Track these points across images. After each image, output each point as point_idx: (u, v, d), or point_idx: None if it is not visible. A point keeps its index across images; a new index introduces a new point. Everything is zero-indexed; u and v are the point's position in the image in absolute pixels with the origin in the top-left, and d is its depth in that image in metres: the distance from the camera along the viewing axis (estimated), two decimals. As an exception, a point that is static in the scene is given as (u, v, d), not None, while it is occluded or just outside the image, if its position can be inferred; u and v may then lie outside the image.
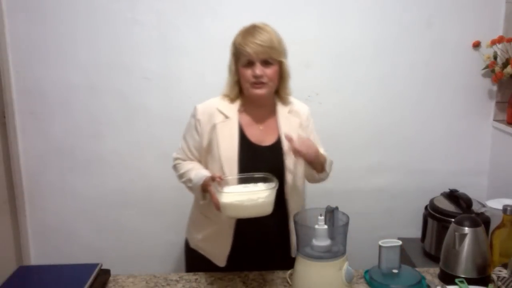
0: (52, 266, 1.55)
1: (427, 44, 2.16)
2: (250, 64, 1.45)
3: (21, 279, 1.37)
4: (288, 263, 1.53)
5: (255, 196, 1.28)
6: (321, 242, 1.27)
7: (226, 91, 1.56)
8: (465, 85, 2.21)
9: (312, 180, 1.60)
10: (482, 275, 1.38)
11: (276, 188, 1.31)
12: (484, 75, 2.20)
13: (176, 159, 1.61)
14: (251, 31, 1.46)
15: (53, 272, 1.45)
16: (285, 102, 1.58)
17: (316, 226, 1.27)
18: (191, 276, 1.49)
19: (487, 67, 2.15)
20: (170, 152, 1.95)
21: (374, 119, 2.23)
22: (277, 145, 1.52)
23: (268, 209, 1.30)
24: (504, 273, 1.33)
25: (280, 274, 1.48)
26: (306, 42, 2.12)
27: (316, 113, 2.19)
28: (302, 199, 1.63)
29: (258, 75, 1.44)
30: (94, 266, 1.41)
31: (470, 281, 1.34)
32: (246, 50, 1.43)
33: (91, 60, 2.12)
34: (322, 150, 1.63)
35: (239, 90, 1.54)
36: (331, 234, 1.28)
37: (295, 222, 1.31)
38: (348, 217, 1.30)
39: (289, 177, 1.50)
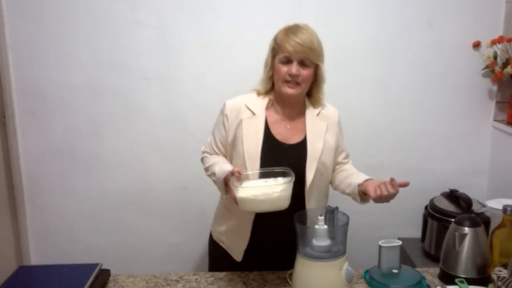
0: (52, 266, 1.55)
1: (427, 44, 2.16)
2: (287, 61, 1.46)
3: (21, 279, 1.37)
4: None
5: (269, 191, 1.29)
6: (321, 242, 1.27)
7: (258, 85, 1.57)
8: (465, 85, 2.21)
9: (344, 193, 1.61)
10: (482, 275, 1.38)
11: (292, 182, 1.31)
12: (484, 75, 2.20)
13: (203, 152, 1.63)
14: (293, 29, 1.46)
15: (53, 272, 1.45)
16: (316, 104, 1.58)
17: (316, 226, 1.27)
18: (191, 276, 1.49)
19: (487, 67, 2.15)
20: (170, 152, 1.95)
21: (374, 119, 2.23)
22: (302, 144, 1.52)
23: (283, 204, 1.30)
24: (504, 273, 1.33)
25: (280, 274, 1.48)
26: (306, 42, 2.12)
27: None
28: (324, 202, 1.62)
29: (294, 74, 1.45)
30: (94, 266, 1.41)
31: (470, 281, 1.34)
32: (286, 47, 1.44)
33: (91, 60, 2.12)
34: (344, 155, 1.67)
35: (271, 87, 1.55)
36: (331, 234, 1.28)
37: (295, 222, 1.31)
38: (348, 217, 1.30)
39: (309, 178, 1.49)
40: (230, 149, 1.55)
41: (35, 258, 2.30)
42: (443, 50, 2.17)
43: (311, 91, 1.56)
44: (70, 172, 2.23)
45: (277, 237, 1.54)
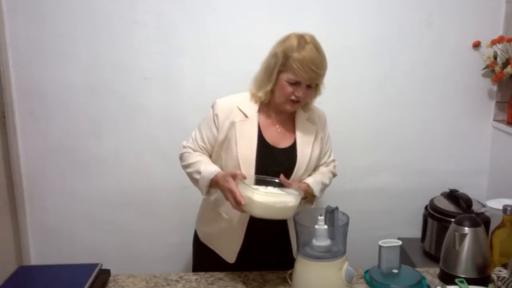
0: (52, 266, 1.55)
1: (427, 44, 2.16)
2: (296, 82, 1.44)
3: (21, 279, 1.37)
4: (290, 264, 1.54)
5: (287, 199, 1.31)
6: (321, 242, 1.27)
7: (258, 92, 1.52)
8: (465, 85, 2.21)
9: None
10: (482, 275, 1.38)
11: (302, 195, 1.38)
12: (484, 75, 2.20)
13: (185, 147, 1.58)
14: (310, 53, 1.41)
15: (53, 272, 1.45)
16: (305, 108, 1.59)
17: (316, 226, 1.27)
18: (191, 276, 1.49)
19: (487, 67, 2.15)
20: (170, 152, 1.94)
21: (374, 119, 2.23)
22: (292, 148, 1.53)
23: (292, 213, 1.34)
24: (504, 273, 1.33)
25: (280, 274, 1.48)
26: (306, 42, 2.12)
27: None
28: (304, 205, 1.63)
29: (301, 97, 1.45)
30: (94, 266, 1.41)
31: (470, 281, 1.34)
32: (302, 74, 1.41)
33: (90, 60, 2.12)
34: (326, 158, 1.65)
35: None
36: (331, 234, 1.28)
37: (295, 222, 1.31)
38: (348, 217, 1.30)
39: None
40: (217, 149, 1.53)
41: (35, 258, 2.30)
42: (443, 50, 2.17)
43: None
44: (70, 172, 2.23)
45: (266, 238, 1.54)
